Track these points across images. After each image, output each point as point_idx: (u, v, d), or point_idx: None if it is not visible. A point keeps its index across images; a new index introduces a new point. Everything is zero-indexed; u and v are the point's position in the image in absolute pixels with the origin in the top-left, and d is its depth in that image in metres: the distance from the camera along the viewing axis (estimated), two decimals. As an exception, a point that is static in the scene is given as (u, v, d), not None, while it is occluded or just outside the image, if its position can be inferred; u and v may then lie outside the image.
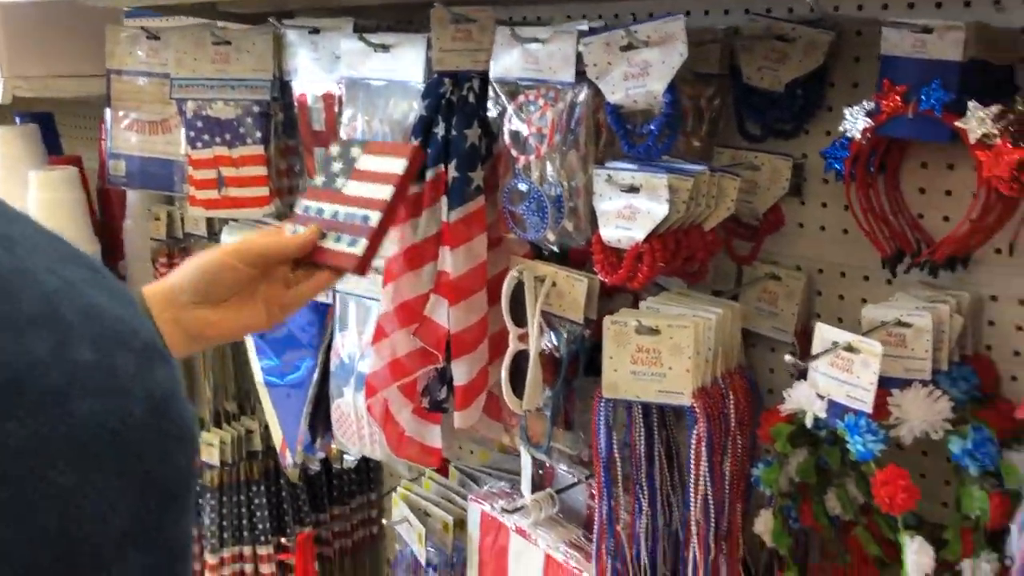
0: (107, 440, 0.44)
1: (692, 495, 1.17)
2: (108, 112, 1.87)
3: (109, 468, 0.44)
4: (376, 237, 1.04)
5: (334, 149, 1.15)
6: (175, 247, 1.98)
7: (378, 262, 1.47)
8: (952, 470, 1.14)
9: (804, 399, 1.11)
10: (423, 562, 1.58)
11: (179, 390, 0.50)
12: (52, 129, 2.33)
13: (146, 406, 0.46)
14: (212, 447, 1.97)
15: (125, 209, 2.11)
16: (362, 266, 1.03)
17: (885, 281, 1.27)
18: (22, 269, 0.43)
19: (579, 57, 1.15)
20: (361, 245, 1.03)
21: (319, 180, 1.13)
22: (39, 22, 1.88)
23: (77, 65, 1.93)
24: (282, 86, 1.64)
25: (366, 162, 1.09)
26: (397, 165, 1.06)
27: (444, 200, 1.30)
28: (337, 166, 1.11)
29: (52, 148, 2.24)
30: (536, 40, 1.18)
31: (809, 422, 1.11)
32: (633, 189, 1.11)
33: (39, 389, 0.41)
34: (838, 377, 1.07)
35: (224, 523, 1.99)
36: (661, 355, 1.15)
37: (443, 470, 1.72)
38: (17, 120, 2.27)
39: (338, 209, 1.07)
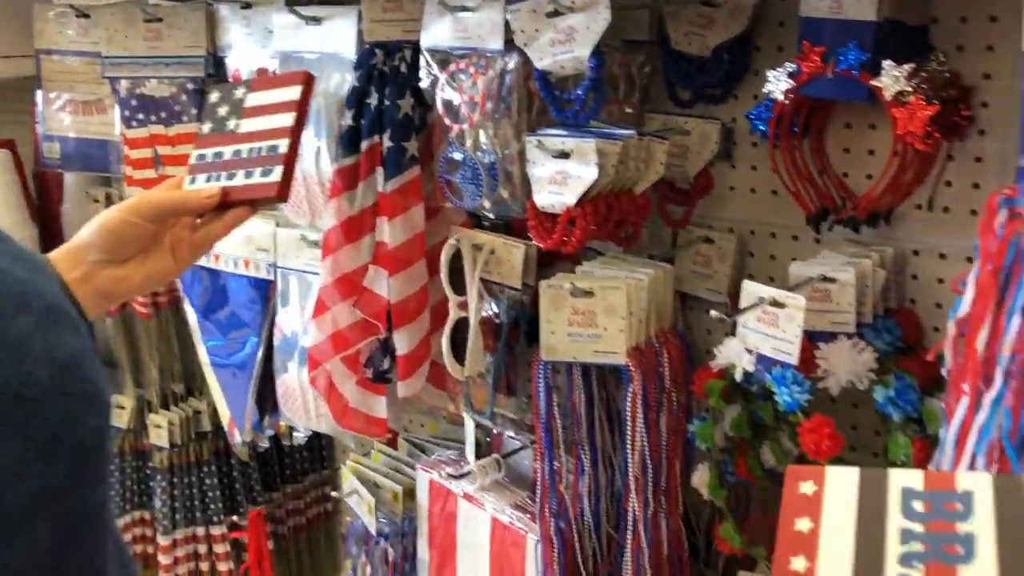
0: (9, 403, 0.45)
1: (629, 452, 1.20)
2: (40, 93, 1.84)
3: (14, 431, 0.45)
4: (289, 162, 1.03)
5: (214, 95, 1.13)
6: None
7: (316, 235, 1.47)
8: (879, 419, 1.18)
9: (734, 354, 1.15)
10: (374, 532, 1.60)
11: (87, 352, 0.51)
12: (-17, 113, 2.28)
13: (49, 369, 0.47)
14: (161, 429, 1.96)
15: (63, 192, 2.08)
16: (283, 191, 1.02)
17: (814, 240, 1.30)
18: None
19: (508, 25, 1.16)
20: (278, 171, 1.02)
21: (206, 127, 1.12)
22: (-38, 3, 1.84)
23: (5, 46, 1.89)
24: (216, 62, 1.63)
25: (255, 99, 1.08)
26: (292, 92, 1.05)
27: (380, 171, 1.31)
28: (224, 109, 1.10)
29: (-17, 133, 2.19)
30: (465, 9, 1.19)
31: (739, 376, 1.14)
32: (564, 155, 1.13)
33: None
34: (765, 332, 1.10)
35: (176, 504, 1.99)
36: (596, 316, 1.18)
37: (392, 442, 1.73)
38: (-54, 105, 2.22)
39: (239, 148, 1.06)
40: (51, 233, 2.10)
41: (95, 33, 1.72)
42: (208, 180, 1.06)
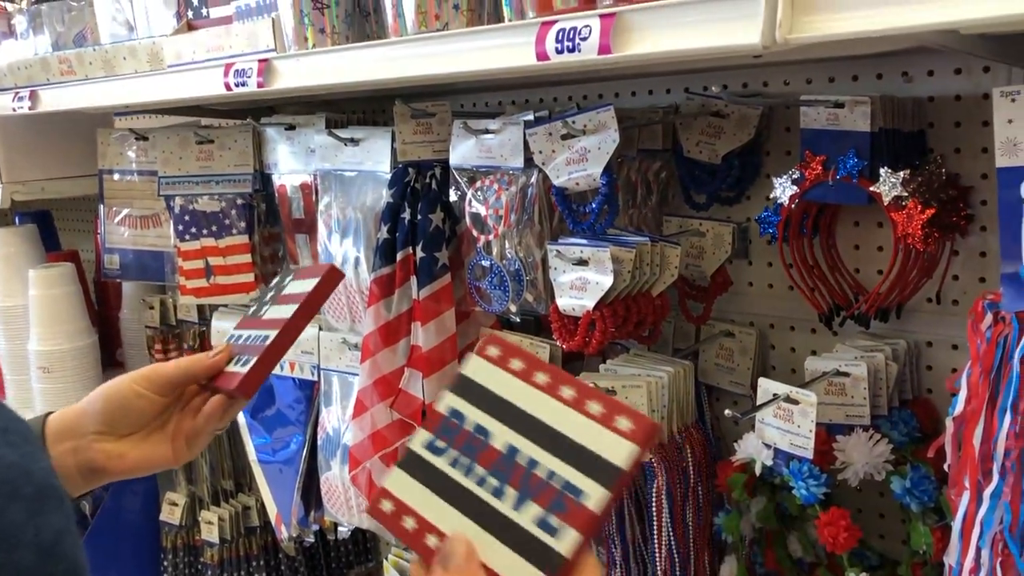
0: None
1: (656, 546, 1.23)
2: (102, 209, 1.98)
3: None
4: (266, 355, 0.92)
5: (275, 280, 1.10)
6: (169, 334, 2.07)
7: (356, 339, 1.56)
8: (902, 508, 1.20)
9: (753, 448, 1.19)
10: (415, 626, 1.63)
11: (70, 527, 0.55)
12: (50, 226, 2.44)
13: (35, 552, 0.52)
14: (211, 525, 2.03)
15: (121, 299, 2.21)
16: (244, 386, 0.91)
17: (832, 332, 1.35)
18: None
19: (527, 144, 1.25)
20: (248, 364, 0.92)
21: (251, 310, 1.07)
22: (33, 130, 2.00)
23: (71, 167, 2.05)
24: (263, 178, 1.75)
25: (292, 286, 1.02)
26: (309, 285, 0.97)
27: (413, 279, 1.39)
28: (269, 295, 1.06)
29: (51, 244, 2.35)
30: (488, 131, 1.29)
31: (758, 470, 1.18)
32: (582, 262, 1.20)
33: None
34: (781, 427, 1.15)
35: (225, 600, 2.05)
36: (619, 414, 1.23)
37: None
38: (17, 220, 2.38)
39: (251, 333, 0.99)
40: (110, 338, 2.22)
41: (152, 153, 1.86)
42: (235, 362, 0.98)
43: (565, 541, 0.61)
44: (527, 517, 0.63)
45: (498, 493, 0.64)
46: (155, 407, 0.96)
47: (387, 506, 0.69)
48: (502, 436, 0.66)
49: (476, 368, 0.70)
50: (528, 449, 0.65)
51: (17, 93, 1.76)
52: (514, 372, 0.68)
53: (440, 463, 0.68)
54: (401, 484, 0.69)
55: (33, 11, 1.78)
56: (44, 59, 1.73)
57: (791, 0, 0.70)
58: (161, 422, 0.97)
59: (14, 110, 1.77)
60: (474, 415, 0.68)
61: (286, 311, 0.95)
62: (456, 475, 0.67)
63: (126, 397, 0.95)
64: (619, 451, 0.62)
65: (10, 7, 2.08)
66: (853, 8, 0.68)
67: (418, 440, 0.70)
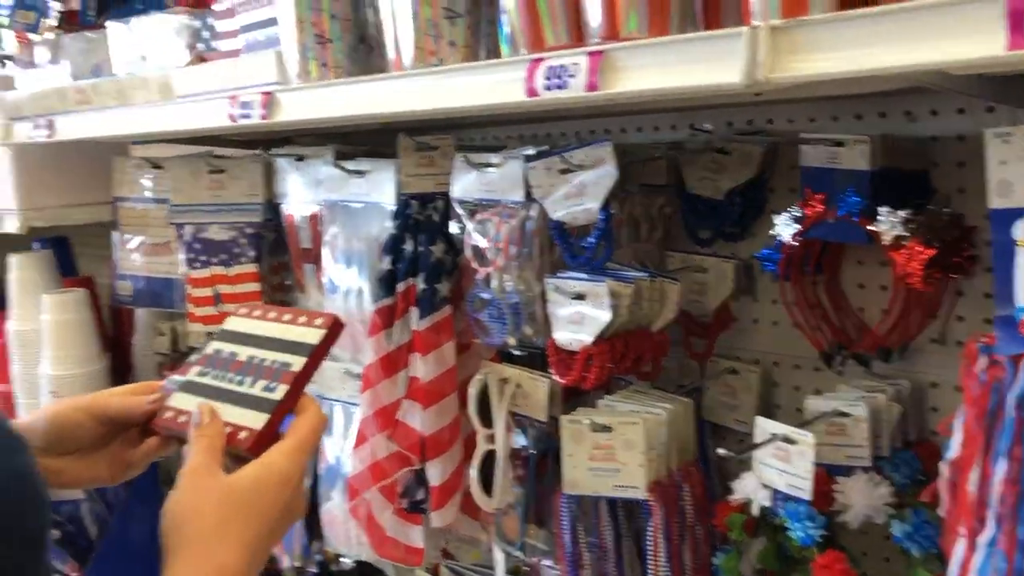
0: None
1: (652, 586, 1.22)
2: (115, 236, 2.00)
3: None
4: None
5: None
6: (180, 360, 2.07)
7: (358, 369, 1.56)
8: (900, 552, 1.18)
9: (751, 489, 1.17)
10: (413, 661, 1.62)
11: (33, 470, 0.71)
12: (67, 251, 2.47)
13: (5, 483, 0.67)
14: (215, 553, 2.02)
15: (134, 325, 2.23)
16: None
17: (836, 372, 1.33)
18: None
19: (527, 178, 1.26)
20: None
21: (193, 356, 1.15)
22: (50, 158, 2.04)
23: (87, 194, 2.08)
24: (272, 208, 1.76)
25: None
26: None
27: (414, 310, 1.39)
28: (214, 334, 1.06)
29: (67, 269, 2.37)
30: (489, 165, 1.29)
31: (755, 511, 1.16)
32: (580, 296, 1.20)
33: None
34: (778, 467, 1.13)
35: (227, 629, 2.03)
36: (615, 451, 1.22)
37: (435, 570, 1.76)
38: (35, 244, 2.41)
39: (217, 374, 1.00)
40: (122, 363, 2.24)
41: (165, 182, 1.88)
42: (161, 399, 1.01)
43: (278, 392, 0.92)
44: (257, 388, 0.93)
45: (241, 383, 0.95)
46: (93, 435, 1.00)
47: (168, 415, 0.97)
48: (244, 352, 0.98)
49: (228, 322, 1.03)
50: (259, 353, 0.96)
51: (36, 122, 1.79)
52: (248, 315, 1.02)
53: (206, 380, 0.98)
54: (179, 400, 0.98)
55: (54, 43, 1.82)
56: (61, 89, 1.76)
57: (773, 40, 0.70)
58: (102, 443, 1.01)
59: (32, 138, 1.80)
60: (226, 347, 1.00)
61: (283, 359, 0.96)
62: (215, 382, 0.97)
63: (68, 422, 0.99)
64: (312, 335, 0.94)
65: (33, 37, 2.13)
66: (836, 48, 0.68)
67: (193, 372, 1.00)
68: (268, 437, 0.89)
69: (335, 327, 0.95)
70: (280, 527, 0.87)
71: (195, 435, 0.89)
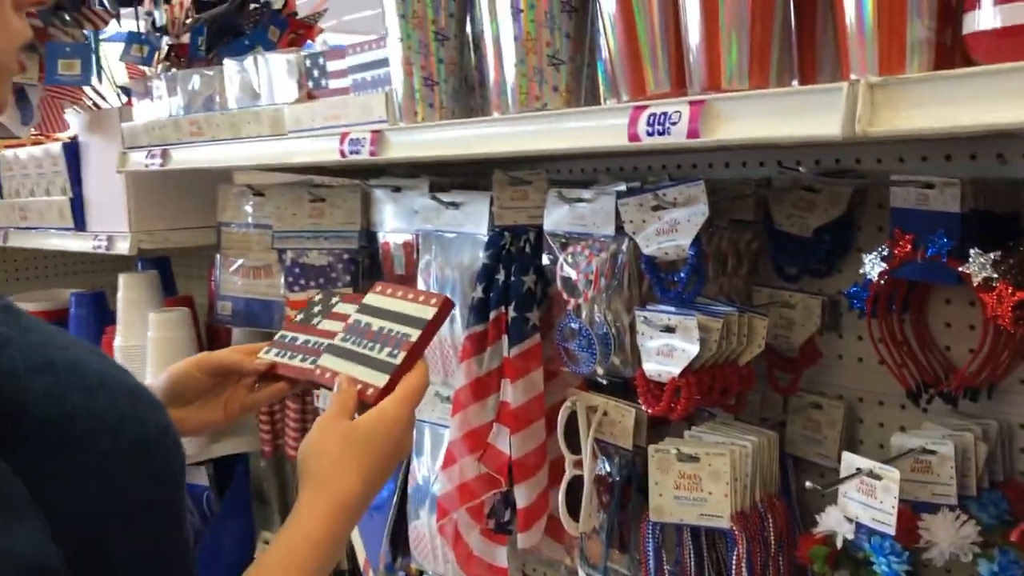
0: (138, 449, 0.78)
1: (736, 614, 1.24)
2: (218, 258, 2.12)
3: (138, 464, 0.78)
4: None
5: (316, 298, 1.35)
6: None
7: (448, 392, 1.62)
8: (989, 594, 1.18)
9: (835, 522, 1.19)
10: None
11: (171, 422, 0.85)
12: (169, 272, 2.61)
13: (155, 430, 0.80)
14: (302, 566, 2.10)
15: (230, 344, 2.34)
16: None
17: (921, 410, 1.34)
18: (79, 359, 0.78)
19: (618, 213, 1.31)
20: (300, 360, 1.20)
21: (297, 317, 1.33)
22: (160, 184, 2.17)
23: (192, 218, 2.20)
24: (368, 235, 1.85)
25: (342, 308, 1.28)
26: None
27: (505, 338, 1.45)
28: (316, 308, 1.32)
29: (168, 289, 2.51)
30: (581, 200, 1.35)
31: (839, 544, 1.18)
32: (669, 329, 1.24)
33: (107, 427, 0.76)
34: (864, 501, 1.15)
35: (311, 640, 2.10)
36: (701, 481, 1.25)
37: (515, 590, 1.81)
38: (139, 265, 2.55)
39: (310, 338, 1.24)
40: (218, 379, 2.34)
41: (267, 209, 1.98)
42: (277, 355, 1.23)
43: (398, 358, 1.09)
44: (383, 354, 1.11)
45: (371, 348, 1.13)
46: (205, 386, 1.19)
47: (316, 372, 1.17)
48: (376, 323, 1.16)
49: (368, 297, 1.22)
50: (387, 324, 1.15)
51: (150, 151, 1.91)
52: (381, 292, 1.20)
53: (347, 344, 1.17)
54: (327, 360, 1.17)
55: (170, 77, 1.94)
56: (176, 120, 1.87)
57: (871, 95, 0.73)
58: (213, 394, 1.21)
59: (147, 166, 1.92)
60: (363, 318, 1.19)
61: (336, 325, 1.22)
62: (354, 347, 1.15)
63: (183, 376, 1.18)
64: (427, 312, 1.13)
65: (149, 71, 2.26)
66: (931, 104, 0.71)
67: (338, 337, 1.19)
68: (388, 392, 1.06)
69: (445, 306, 1.14)
70: (391, 462, 1.03)
71: (333, 396, 1.07)
